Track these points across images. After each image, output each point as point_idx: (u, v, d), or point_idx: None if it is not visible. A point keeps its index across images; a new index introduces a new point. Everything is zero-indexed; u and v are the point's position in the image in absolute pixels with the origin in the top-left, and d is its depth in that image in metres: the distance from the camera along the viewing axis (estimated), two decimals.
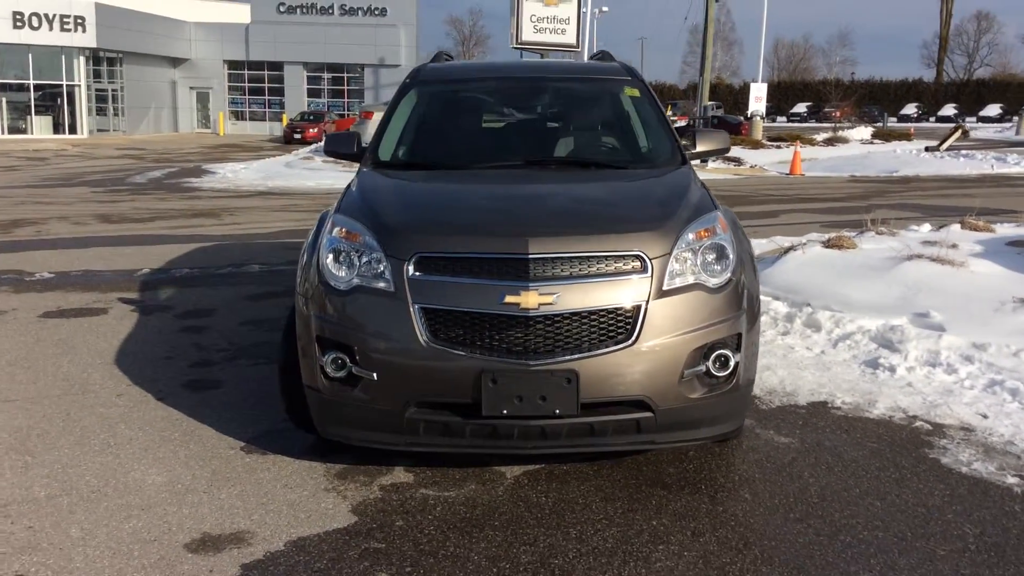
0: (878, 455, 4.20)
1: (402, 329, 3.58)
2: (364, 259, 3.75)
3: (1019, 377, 5.10)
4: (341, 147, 5.00)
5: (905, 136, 40.91)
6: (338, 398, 3.74)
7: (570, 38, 21.51)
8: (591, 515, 3.62)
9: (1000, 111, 69.86)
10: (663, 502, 3.73)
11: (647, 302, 3.59)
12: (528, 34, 20.89)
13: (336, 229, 3.90)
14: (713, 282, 3.74)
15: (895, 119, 67.94)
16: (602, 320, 3.57)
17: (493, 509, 3.67)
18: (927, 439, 4.39)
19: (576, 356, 3.51)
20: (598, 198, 4.21)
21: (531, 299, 3.50)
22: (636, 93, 5.21)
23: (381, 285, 3.67)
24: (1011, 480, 3.93)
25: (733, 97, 74.78)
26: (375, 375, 3.62)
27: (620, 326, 3.57)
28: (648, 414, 3.60)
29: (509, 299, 3.51)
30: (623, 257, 3.64)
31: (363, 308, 3.68)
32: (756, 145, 32.63)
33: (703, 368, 3.67)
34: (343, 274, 3.77)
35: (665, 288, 3.63)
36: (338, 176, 19.73)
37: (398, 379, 3.60)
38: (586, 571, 3.20)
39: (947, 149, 17.26)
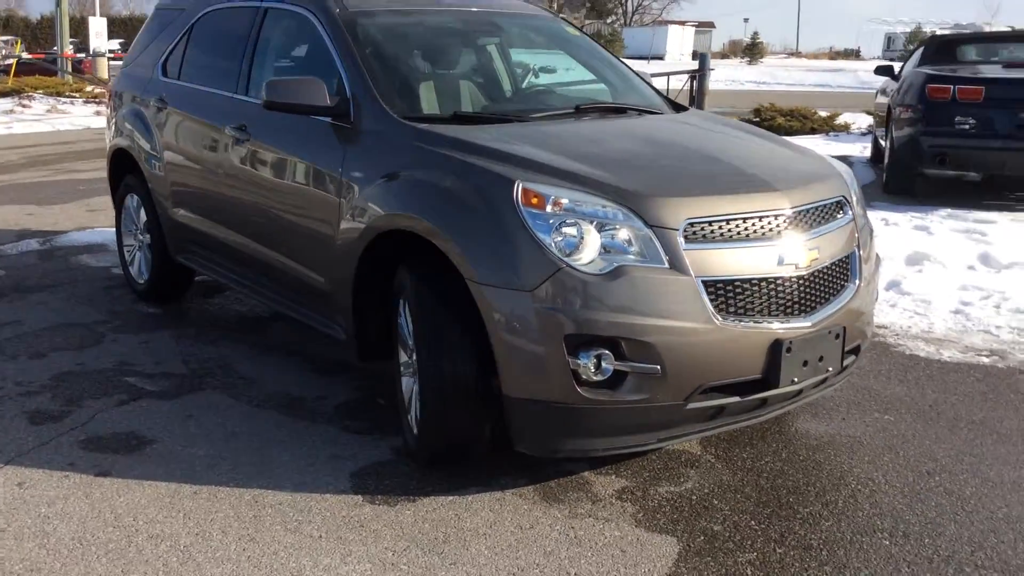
0: (882, 360, 4.73)
1: (689, 309, 3.07)
2: (613, 232, 3.08)
3: None
4: (304, 98, 3.80)
5: None
6: (594, 404, 3.06)
7: None
8: (838, 470, 3.55)
9: None
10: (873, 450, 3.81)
11: (857, 244, 3.60)
12: None
13: (550, 202, 3.10)
14: (863, 218, 3.85)
15: None
16: (844, 267, 3.49)
17: (760, 489, 3.39)
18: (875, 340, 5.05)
19: (837, 309, 3.39)
20: (764, 146, 3.97)
21: (805, 255, 3.28)
22: (576, 32, 4.86)
23: (650, 261, 3.08)
24: (985, 360, 4.77)
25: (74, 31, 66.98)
26: (659, 367, 3.05)
27: (851, 271, 3.53)
28: (854, 357, 3.63)
29: (788, 259, 3.23)
30: (837, 202, 3.57)
31: (635, 291, 3.03)
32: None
33: None
34: (591, 254, 3.06)
35: (859, 227, 3.66)
36: None
37: (688, 367, 3.08)
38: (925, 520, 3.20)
39: None
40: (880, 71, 10.76)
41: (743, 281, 3.15)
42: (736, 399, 3.20)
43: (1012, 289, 5.76)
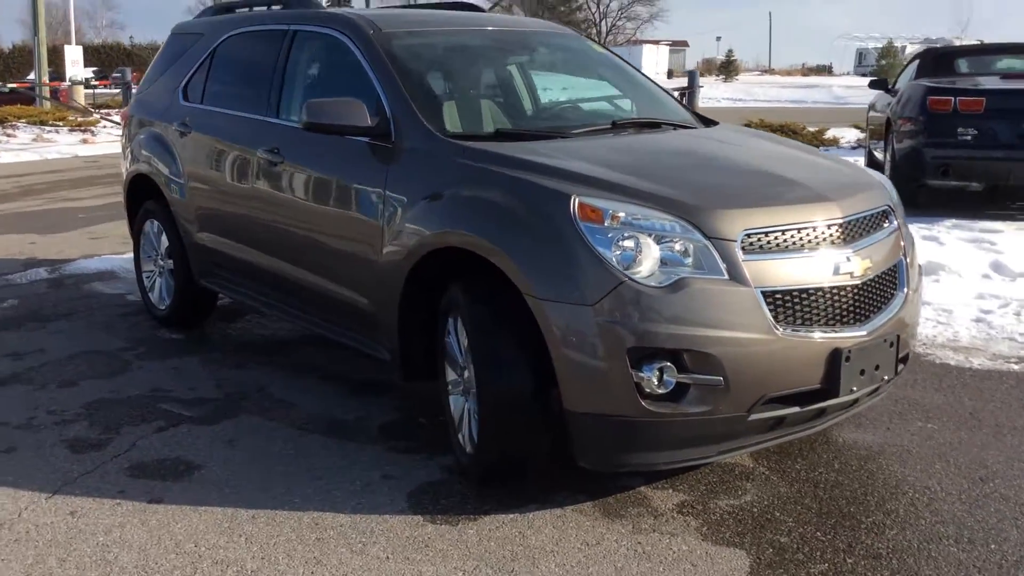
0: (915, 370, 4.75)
1: (750, 320, 3.07)
2: (671, 244, 3.09)
3: None
4: (345, 118, 3.79)
5: None
6: (657, 417, 3.05)
7: None
8: (892, 479, 3.56)
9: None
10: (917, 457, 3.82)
11: (903, 253, 3.62)
12: None
13: (608, 216, 3.10)
14: (905, 227, 3.87)
15: None
16: (892, 276, 3.51)
17: (820, 500, 3.38)
18: None
19: (890, 317, 3.40)
20: (806, 158, 3.99)
21: (859, 264, 3.30)
22: (601, 50, 4.89)
23: (710, 272, 3.08)
24: (1016, 367, 4.81)
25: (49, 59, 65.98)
26: (721, 379, 3.05)
27: (899, 280, 3.55)
28: (903, 366, 3.65)
29: (843, 268, 3.25)
30: (883, 212, 3.61)
31: (695, 303, 3.03)
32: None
33: None
34: (650, 267, 3.06)
35: (904, 236, 3.69)
36: None
37: (750, 378, 3.08)
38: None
39: None
40: (874, 85, 10.89)
41: (801, 291, 3.16)
42: (796, 409, 3.20)
43: None
